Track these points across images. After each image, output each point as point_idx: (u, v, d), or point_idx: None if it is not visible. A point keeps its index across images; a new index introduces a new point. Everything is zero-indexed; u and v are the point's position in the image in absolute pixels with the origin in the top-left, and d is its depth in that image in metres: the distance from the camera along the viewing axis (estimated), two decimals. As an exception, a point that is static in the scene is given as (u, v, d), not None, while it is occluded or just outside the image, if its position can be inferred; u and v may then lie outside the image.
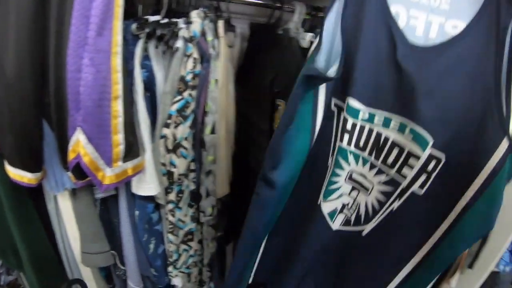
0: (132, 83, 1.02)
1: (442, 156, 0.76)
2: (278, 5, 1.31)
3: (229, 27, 1.32)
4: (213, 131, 1.15)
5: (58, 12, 0.81)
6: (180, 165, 1.14)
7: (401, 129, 0.81)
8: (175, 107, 1.05)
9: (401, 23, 0.77)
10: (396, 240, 0.92)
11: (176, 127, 1.07)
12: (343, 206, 0.98)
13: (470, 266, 2.46)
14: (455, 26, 0.74)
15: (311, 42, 1.20)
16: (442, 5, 0.75)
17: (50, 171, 1.07)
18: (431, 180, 0.80)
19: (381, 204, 0.90)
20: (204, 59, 1.08)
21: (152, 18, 1.09)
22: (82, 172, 0.94)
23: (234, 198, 1.55)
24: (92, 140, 0.90)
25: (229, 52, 1.23)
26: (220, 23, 1.15)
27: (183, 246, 1.35)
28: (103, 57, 0.84)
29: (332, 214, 1.00)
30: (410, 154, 0.81)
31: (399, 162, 0.84)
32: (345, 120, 0.87)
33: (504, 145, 0.71)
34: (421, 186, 0.82)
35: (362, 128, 0.87)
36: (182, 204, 1.23)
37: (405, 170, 0.83)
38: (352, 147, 0.90)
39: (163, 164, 1.13)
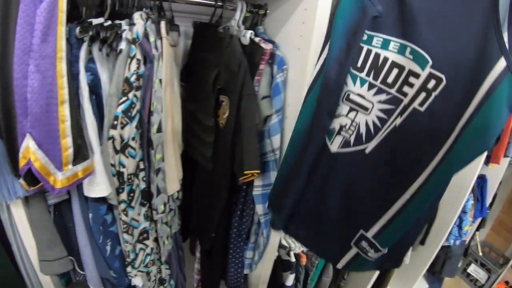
0: (78, 86, 1.05)
1: (442, 76, 0.85)
2: (220, 3, 1.35)
3: (173, 27, 1.35)
4: (159, 130, 1.19)
5: (2, 20, 0.83)
6: (129, 165, 1.18)
7: (401, 50, 0.91)
8: (121, 108, 1.08)
9: None
10: (402, 158, 0.99)
11: (122, 128, 1.10)
12: (341, 127, 1.07)
13: (422, 242, 2.65)
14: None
15: (251, 39, 1.27)
16: None
17: (2, 180, 1.08)
18: (432, 99, 0.88)
19: (383, 121, 0.99)
20: (148, 60, 1.12)
21: (96, 21, 1.12)
22: (34, 178, 0.96)
23: (186, 194, 1.61)
24: (42, 146, 0.92)
25: (172, 52, 1.26)
26: (163, 24, 1.18)
27: (139, 245, 1.39)
28: (48, 63, 0.87)
29: (330, 135, 1.10)
30: (410, 73, 0.91)
31: (400, 81, 0.94)
32: None
33: (501, 64, 0.78)
34: (421, 104, 0.90)
35: (360, 49, 0.98)
36: (134, 203, 1.26)
37: (405, 89, 0.93)
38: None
39: (113, 165, 1.16)
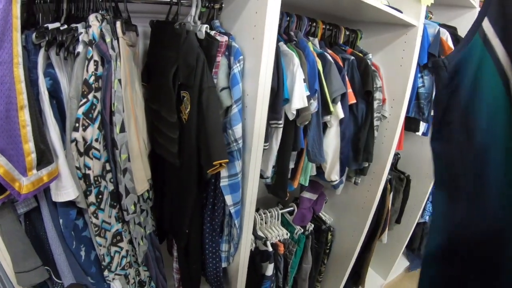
0: (38, 92, 1.07)
1: None
2: (175, 0, 1.39)
3: (130, 27, 1.38)
4: (122, 130, 1.22)
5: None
6: (95, 166, 1.21)
7: None
8: (81, 110, 1.11)
9: None
10: None
11: (84, 129, 1.13)
12: None
13: (398, 221, 2.74)
14: None
15: (207, 33, 1.31)
16: None
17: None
18: None
19: None
20: (105, 60, 1.15)
21: (52, 26, 1.14)
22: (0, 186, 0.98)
23: (159, 195, 1.65)
24: (4, 152, 0.94)
25: (130, 52, 1.31)
26: (118, 24, 1.22)
27: (114, 248, 1.42)
28: (5, 69, 0.90)
29: None
30: None
31: None
32: None
33: None
34: None
35: None
36: (103, 205, 1.29)
37: None
38: None
39: (78, 168, 1.18)
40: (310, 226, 2.20)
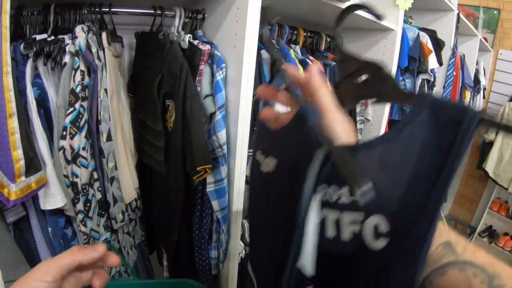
0: (26, 101, 1.12)
1: None
2: (159, 12, 1.45)
3: (115, 38, 1.44)
4: (109, 139, 1.27)
5: None
6: (82, 174, 1.24)
7: None
8: (69, 118, 1.16)
9: None
10: None
11: (72, 138, 1.17)
12: None
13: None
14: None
15: (190, 43, 1.38)
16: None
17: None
18: None
19: None
20: (91, 70, 1.21)
21: (39, 37, 1.19)
22: (-12, 193, 1.01)
23: (149, 205, 1.69)
24: None
25: (116, 62, 1.36)
26: (104, 35, 1.28)
27: (103, 257, 1.44)
28: None
29: None
30: None
31: None
32: None
33: None
34: None
35: None
36: (92, 214, 1.32)
37: None
38: None
39: (66, 176, 1.22)
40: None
